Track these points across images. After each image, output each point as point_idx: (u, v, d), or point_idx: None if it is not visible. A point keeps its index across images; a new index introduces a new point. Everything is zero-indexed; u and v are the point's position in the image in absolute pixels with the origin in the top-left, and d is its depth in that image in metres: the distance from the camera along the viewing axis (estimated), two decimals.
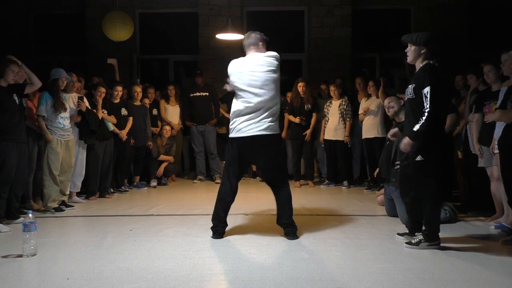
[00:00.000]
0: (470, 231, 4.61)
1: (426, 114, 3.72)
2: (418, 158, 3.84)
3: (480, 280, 3.16)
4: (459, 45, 9.46)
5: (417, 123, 3.76)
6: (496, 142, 4.49)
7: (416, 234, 4.03)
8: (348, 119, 7.55)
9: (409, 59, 3.98)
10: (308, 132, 7.64)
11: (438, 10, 9.61)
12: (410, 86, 3.95)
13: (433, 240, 3.89)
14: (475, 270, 3.38)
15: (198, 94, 8.35)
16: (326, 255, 3.74)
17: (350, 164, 8.00)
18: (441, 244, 3.95)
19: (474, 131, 5.05)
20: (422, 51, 3.89)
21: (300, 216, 5.34)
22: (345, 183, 7.62)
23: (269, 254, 3.81)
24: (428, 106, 3.71)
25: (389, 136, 5.30)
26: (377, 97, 7.23)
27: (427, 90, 3.73)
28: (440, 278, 3.19)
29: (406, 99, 4.06)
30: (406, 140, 3.85)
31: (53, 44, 10.25)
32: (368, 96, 7.42)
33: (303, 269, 3.39)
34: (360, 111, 7.40)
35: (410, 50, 3.95)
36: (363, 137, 7.39)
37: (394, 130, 5.14)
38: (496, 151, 4.51)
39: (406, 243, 3.97)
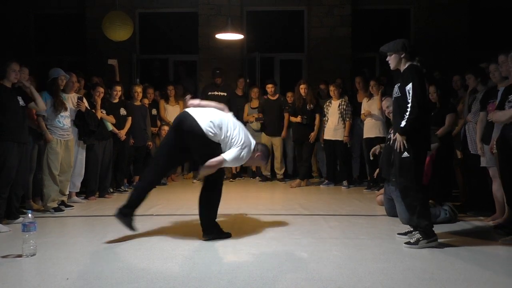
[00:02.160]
0: (470, 231, 4.60)
1: (409, 108, 3.90)
2: (404, 155, 3.95)
3: (480, 280, 3.16)
4: (459, 45, 9.47)
5: (403, 119, 3.94)
6: (495, 142, 4.50)
7: (413, 232, 4.06)
8: (347, 119, 7.55)
9: (392, 66, 4.19)
10: (313, 134, 7.66)
11: (438, 10, 9.61)
12: (396, 85, 4.14)
13: (430, 237, 3.94)
14: (475, 270, 3.38)
15: (216, 93, 8.24)
16: (326, 255, 3.74)
17: (350, 164, 8.00)
18: (441, 244, 3.98)
19: (478, 129, 5.05)
20: (402, 56, 4.09)
21: (300, 216, 5.35)
22: (345, 183, 7.62)
23: (269, 254, 3.81)
24: (410, 101, 3.90)
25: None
26: (381, 97, 7.20)
27: (409, 86, 3.93)
28: (440, 278, 3.19)
29: (393, 98, 4.22)
30: (398, 136, 4.00)
31: (53, 44, 10.26)
32: (370, 96, 7.41)
33: (303, 269, 3.39)
34: (363, 112, 7.40)
35: (391, 59, 4.16)
36: (364, 136, 7.38)
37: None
38: (495, 151, 4.52)
39: (405, 243, 3.99)
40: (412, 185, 3.98)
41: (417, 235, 3.97)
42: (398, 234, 4.30)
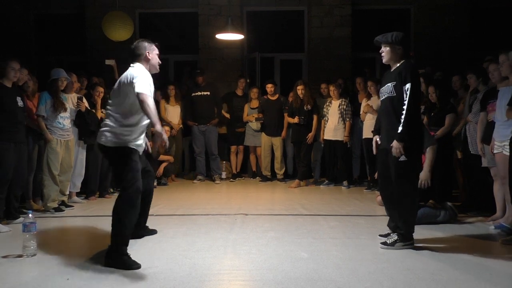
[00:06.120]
0: (470, 231, 4.61)
1: (405, 111, 3.72)
2: (402, 158, 3.80)
3: (480, 280, 3.16)
4: (459, 45, 9.47)
5: (399, 122, 3.75)
6: (496, 142, 4.49)
7: (391, 234, 4.03)
8: (347, 119, 7.55)
9: (385, 59, 3.99)
10: (310, 135, 7.66)
11: (438, 10, 9.61)
12: (389, 84, 3.91)
13: (407, 240, 3.90)
14: (475, 270, 3.39)
15: (199, 93, 8.31)
16: (326, 255, 3.74)
17: (350, 164, 8.00)
18: (441, 245, 4.00)
19: (479, 130, 5.04)
20: (398, 50, 3.90)
21: (300, 216, 5.36)
22: (345, 183, 7.62)
23: (269, 254, 3.81)
24: (407, 103, 3.71)
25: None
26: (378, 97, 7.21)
27: (408, 86, 3.74)
28: (440, 278, 3.19)
29: (384, 97, 4.00)
30: (395, 144, 3.78)
31: (53, 44, 10.25)
32: (369, 96, 7.41)
33: (303, 269, 3.39)
34: (362, 111, 7.39)
35: (386, 51, 3.96)
36: (364, 136, 7.37)
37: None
38: (495, 151, 4.52)
39: (381, 243, 3.96)
40: (407, 190, 3.88)
41: (394, 237, 3.94)
42: (380, 235, 4.26)
